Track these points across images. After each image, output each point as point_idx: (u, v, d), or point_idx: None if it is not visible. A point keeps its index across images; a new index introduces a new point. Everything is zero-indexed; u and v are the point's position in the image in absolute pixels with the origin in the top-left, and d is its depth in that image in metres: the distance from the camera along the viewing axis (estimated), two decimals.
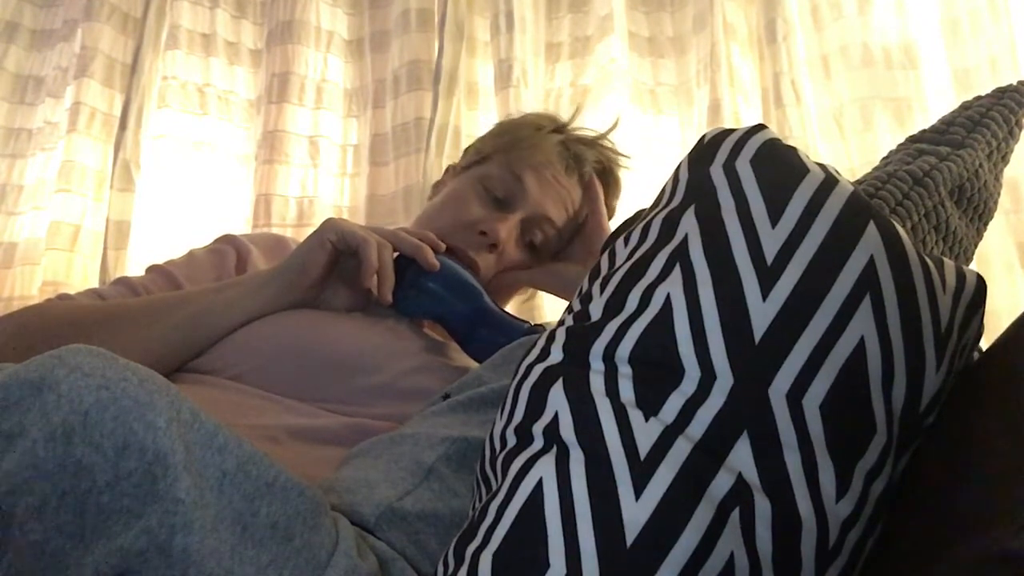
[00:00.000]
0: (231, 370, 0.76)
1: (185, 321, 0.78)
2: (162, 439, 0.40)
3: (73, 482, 0.39)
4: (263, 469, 0.45)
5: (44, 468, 0.38)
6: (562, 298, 1.02)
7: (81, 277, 1.37)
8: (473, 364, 0.81)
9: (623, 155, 1.04)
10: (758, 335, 0.44)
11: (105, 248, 1.36)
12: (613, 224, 1.06)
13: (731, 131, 0.52)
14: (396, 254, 0.82)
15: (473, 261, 0.89)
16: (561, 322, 0.53)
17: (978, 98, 0.75)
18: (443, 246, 0.85)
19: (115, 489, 0.39)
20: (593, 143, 1.00)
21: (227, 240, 0.98)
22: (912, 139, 0.75)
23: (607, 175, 1.01)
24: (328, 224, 0.82)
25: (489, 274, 0.91)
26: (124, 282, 0.90)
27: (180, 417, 0.42)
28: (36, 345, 0.75)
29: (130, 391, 0.41)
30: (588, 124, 1.04)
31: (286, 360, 0.76)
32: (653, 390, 0.44)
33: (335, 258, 0.81)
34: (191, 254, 0.95)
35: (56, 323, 0.79)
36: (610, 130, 1.04)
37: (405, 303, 0.82)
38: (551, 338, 0.51)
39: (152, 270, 0.93)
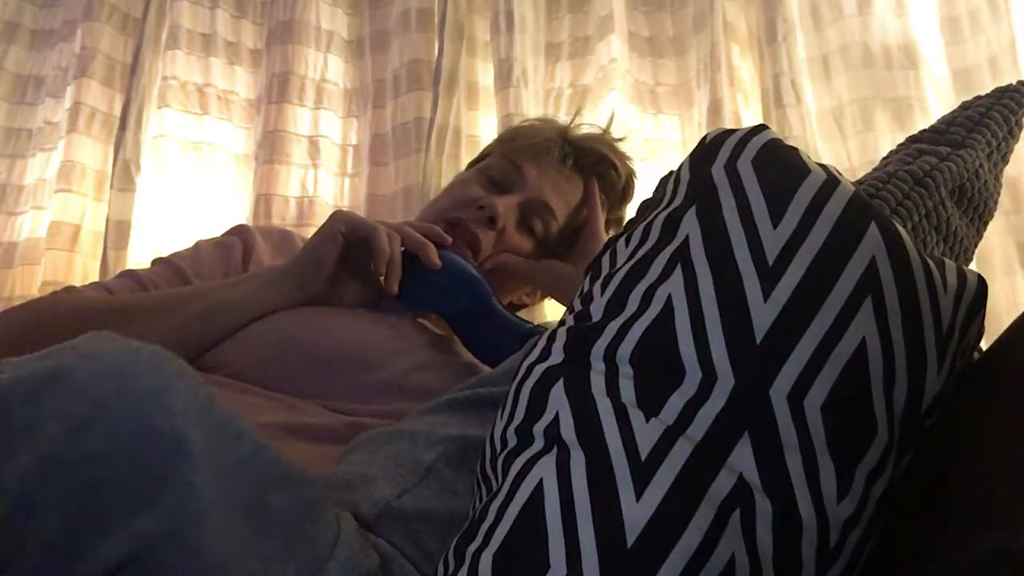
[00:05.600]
0: (232, 367, 0.76)
1: (200, 315, 0.78)
2: (179, 426, 0.40)
3: (91, 472, 0.38)
4: (273, 458, 0.45)
5: (61, 459, 0.38)
6: (553, 296, 1.03)
7: (81, 277, 1.37)
8: (476, 361, 0.82)
9: (620, 144, 1.04)
10: (759, 336, 0.44)
11: (105, 248, 1.36)
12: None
13: (732, 131, 0.53)
14: (402, 248, 0.82)
15: (474, 235, 0.90)
16: (562, 322, 0.53)
17: (978, 98, 0.75)
18: (449, 240, 0.86)
19: (132, 477, 0.39)
20: (594, 148, 1.00)
21: (236, 231, 0.99)
22: (912, 139, 0.75)
23: (613, 185, 1.01)
24: (337, 216, 0.83)
25: (488, 250, 0.92)
26: (130, 275, 0.90)
27: (197, 402, 0.42)
28: (49, 337, 0.75)
29: (147, 377, 0.40)
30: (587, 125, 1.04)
31: (288, 357, 0.76)
32: (654, 390, 0.44)
33: (346, 250, 0.82)
34: (197, 246, 0.96)
35: (68, 315, 0.79)
36: (609, 124, 1.05)
37: (410, 297, 0.82)
38: (552, 338, 0.51)
39: (158, 263, 0.93)
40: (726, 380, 0.43)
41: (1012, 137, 0.74)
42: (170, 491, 0.39)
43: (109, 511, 0.39)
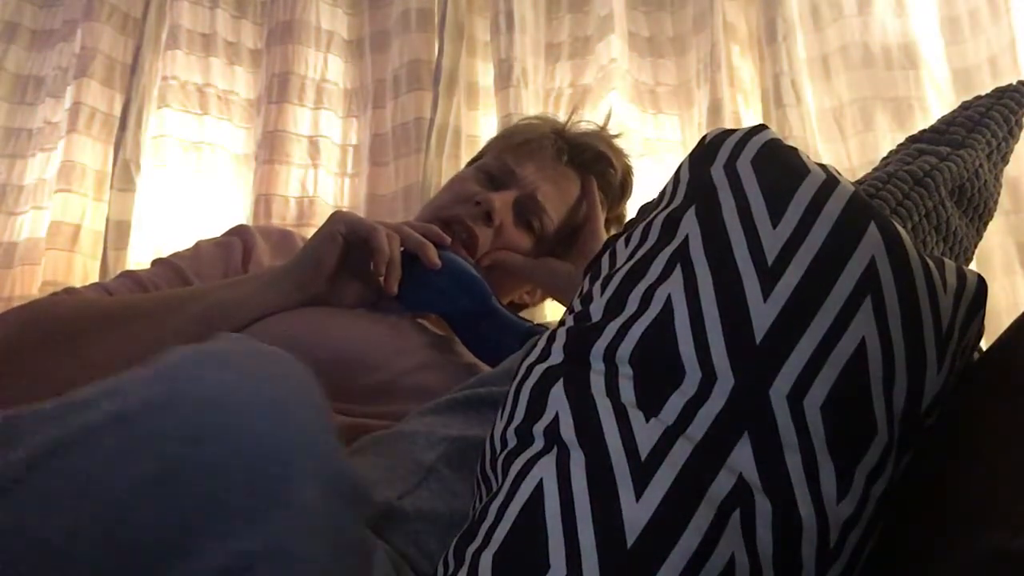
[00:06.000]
0: None
1: (199, 317, 0.78)
2: (296, 444, 0.39)
3: (206, 482, 0.38)
4: (353, 477, 0.44)
5: (178, 468, 0.38)
6: (551, 295, 1.03)
7: (81, 277, 1.37)
8: (477, 361, 0.82)
9: (617, 140, 1.04)
10: (759, 336, 0.44)
11: (105, 248, 1.36)
12: None
13: (732, 131, 0.52)
14: (401, 248, 0.82)
15: (471, 231, 0.90)
16: (562, 322, 0.53)
17: (978, 98, 0.75)
18: (448, 240, 0.86)
19: (247, 491, 0.38)
20: (590, 144, 1.00)
21: (237, 232, 0.99)
22: (912, 139, 0.75)
23: (611, 182, 1.01)
24: (336, 216, 0.83)
25: (486, 246, 0.92)
26: (130, 276, 0.90)
27: (317, 418, 0.41)
28: (48, 338, 0.75)
29: (271, 390, 0.40)
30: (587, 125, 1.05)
31: None
32: (654, 391, 0.44)
33: (346, 250, 0.82)
34: (198, 247, 0.96)
35: (68, 316, 0.78)
36: (607, 122, 1.06)
37: (409, 297, 0.82)
38: (552, 338, 0.51)
39: (158, 263, 0.93)
40: (726, 380, 0.43)
41: (1012, 137, 0.74)
42: (280, 509, 0.38)
43: (218, 522, 0.38)
